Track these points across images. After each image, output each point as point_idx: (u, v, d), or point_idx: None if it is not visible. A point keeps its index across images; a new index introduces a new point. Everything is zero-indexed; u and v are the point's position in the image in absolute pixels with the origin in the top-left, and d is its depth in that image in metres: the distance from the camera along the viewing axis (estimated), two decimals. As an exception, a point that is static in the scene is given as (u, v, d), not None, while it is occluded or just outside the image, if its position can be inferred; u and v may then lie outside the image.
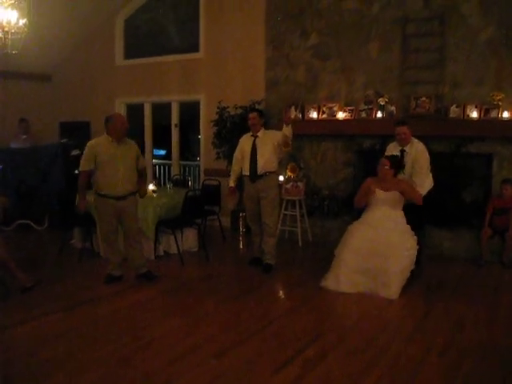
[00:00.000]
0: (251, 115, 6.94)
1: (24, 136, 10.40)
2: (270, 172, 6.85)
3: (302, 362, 4.36)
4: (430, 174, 6.64)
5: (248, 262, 7.31)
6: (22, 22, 7.18)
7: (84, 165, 6.14)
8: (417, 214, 6.33)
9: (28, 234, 9.14)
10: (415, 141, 6.60)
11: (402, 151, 6.61)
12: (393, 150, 6.71)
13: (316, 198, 8.75)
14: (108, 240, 6.45)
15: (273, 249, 7.00)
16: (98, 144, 6.16)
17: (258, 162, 6.78)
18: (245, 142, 7.01)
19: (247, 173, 6.90)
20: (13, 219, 9.25)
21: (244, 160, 6.93)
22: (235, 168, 7.10)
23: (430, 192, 6.57)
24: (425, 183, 6.52)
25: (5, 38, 7.20)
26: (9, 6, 7.00)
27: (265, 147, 6.81)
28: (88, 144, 6.19)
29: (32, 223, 9.48)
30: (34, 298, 5.91)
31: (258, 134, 6.89)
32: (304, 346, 4.65)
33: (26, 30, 7.28)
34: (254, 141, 6.88)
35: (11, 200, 6.66)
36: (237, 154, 7.09)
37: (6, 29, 7.10)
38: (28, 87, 11.66)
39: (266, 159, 6.79)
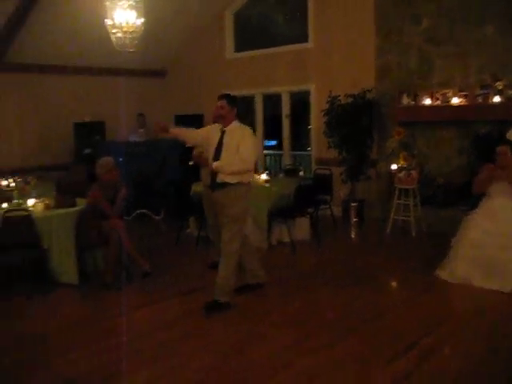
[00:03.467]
0: (219, 103, 5.45)
1: (141, 130, 10.86)
2: (230, 184, 5.34)
3: (417, 354, 4.30)
4: None
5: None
6: (140, 21, 7.48)
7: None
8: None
9: (146, 223, 9.55)
10: None
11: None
12: None
13: (430, 186, 8.52)
14: (212, 230, 6.37)
15: (225, 279, 5.35)
16: (210, 129, 5.73)
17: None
18: (214, 131, 5.57)
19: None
20: (132, 209, 9.69)
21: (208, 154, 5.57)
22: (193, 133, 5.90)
23: None
24: None
25: (124, 38, 7.53)
26: (128, 7, 7.32)
27: (229, 148, 5.35)
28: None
29: (150, 213, 9.89)
30: (153, 283, 6.22)
31: (227, 128, 5.42)
32: (418, 338, 4.59)
33: (142, 28, 7.58)
34: (222, 135, 5.43)
35: (131, 191, 6.97)
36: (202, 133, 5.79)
37: (124, 29, 7.43)
38: (144, 83, 12.17)
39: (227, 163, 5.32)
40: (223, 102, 5.41)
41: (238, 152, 5.28)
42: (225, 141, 5.36)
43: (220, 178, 5.32)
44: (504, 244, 5.72)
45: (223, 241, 5.38)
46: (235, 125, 5.45)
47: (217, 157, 5.34)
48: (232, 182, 5.30)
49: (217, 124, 5.57)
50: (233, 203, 5.31)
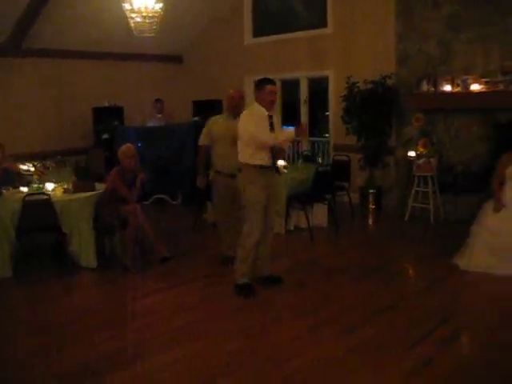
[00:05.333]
0: (274, 88, 5.36)
1: (159, 115, 10.87)
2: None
3: (434, 342, 4.30)
4: None
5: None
6: (159, 5, 7.47)
7: (201, 139, 6.32)
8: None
9: (164, 208, 9.61)
10: None
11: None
12: None
13: (449, 174, 8.46)
14: (221, 219, 6.37)
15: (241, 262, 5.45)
16: (215, 120, 6.27)
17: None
18: (259, 117, 5.35)
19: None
20: (150, 194, 9.74)
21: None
22: None
23: None
24: None
25: (142, 23, 7.52)
26: (147, -9, 7.31)
27: (279, 129, 5.59)
28: (207, 120, 6.42)
29: (168, 198, 9.95)
30: (171, 267, 6.27)
31: (273, 112, 5.51)
32: (435, 326, 4.58)
33: (161, 13, 7.56)
34: (271, 119, 5.38)
35: (148, 175, 7.01)
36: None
37: (143, 14, 7.42)
38: (162, 68, 12.18)
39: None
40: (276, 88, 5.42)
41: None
42: (275, 123, 5.36)
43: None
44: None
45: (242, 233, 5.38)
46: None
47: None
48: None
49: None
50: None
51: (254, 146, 5.24)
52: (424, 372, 3.85)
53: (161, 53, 11.90)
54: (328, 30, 10.12)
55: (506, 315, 4.86)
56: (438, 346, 4.23)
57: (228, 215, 6.20)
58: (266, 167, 5.31)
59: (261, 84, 5.35)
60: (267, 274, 5.66)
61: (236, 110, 6.00)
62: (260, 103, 5.33)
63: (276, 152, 5.32)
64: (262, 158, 5.26)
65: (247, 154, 5.29)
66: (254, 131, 5.21)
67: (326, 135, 10.78)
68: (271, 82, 5.36)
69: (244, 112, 5.51)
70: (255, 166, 5.27)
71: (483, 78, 8.02)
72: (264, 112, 5.31)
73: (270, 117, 5.34)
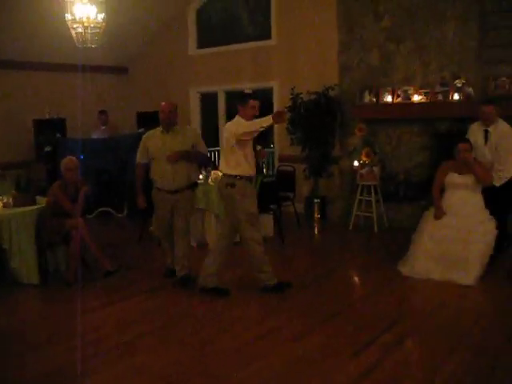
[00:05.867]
0: (256, 103, 5.60)
1: (103, 127, 10.73)
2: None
3: (380, 347, 4.36)
4: None
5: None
6: (101, 16, 7.39)
7: (138, 157, 6.14)
8: (498, 198, 6.16)
9: (109, 221, 9.46)
10: (500, 121, 6.37)
11: (486, 132, 6.41)
12: (476, 130, 6.52)
13: (392, 182, 8.63)
14: (163, 234, 6.28)
15: (258, 263, 5.72)
16: (150, 136, 6.06)
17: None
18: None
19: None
20: (95, 207, 9.59)
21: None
22: None
23: None
24: (510, 167, 6.29)
25: (84, 33, 7.42)
26: (88, 1, 7.22)
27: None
28: (143, 135, 6.18)
29: (112, 210, 9.81)
30: (115, 282, 6.17)
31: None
32: (381, 332, 4.65)
33: (103, 24, 7.49)
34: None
35: (92, 188, 6.90)
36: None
37: (85, 24, 7.32)
38: (106, 80, 12.02)
39: None
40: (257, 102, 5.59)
41: None
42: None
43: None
44: (463, 237, 5.82)
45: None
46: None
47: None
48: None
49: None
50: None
51: (239, 146, 5.43)
52: (371, 377, 3.89)
53: (106, 64, 11.74)
54: (272, 42, 10.20)
55: (448, 319, 4.96)
56: (384, 351, 4.29)
57: (169, 232, 6.12)
58: (250, 178, 5.59)
59: (244, 99, 5.55)
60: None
61: (168, 122, 5.93)
62: (242, 117, 5.52)
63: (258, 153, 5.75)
64: (245, 169, 5.49)
65: (232, 164, 5.48)
66: (237, 129, 5.39)
67: (272, 146, 10.84)
68: (253, 96, 5.61)
69: (228, 123, 5.69)
70: (242, 178, 5.46)
71: (422, 88, 8.24)
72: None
73: None
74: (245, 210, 5.49)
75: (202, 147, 6.17)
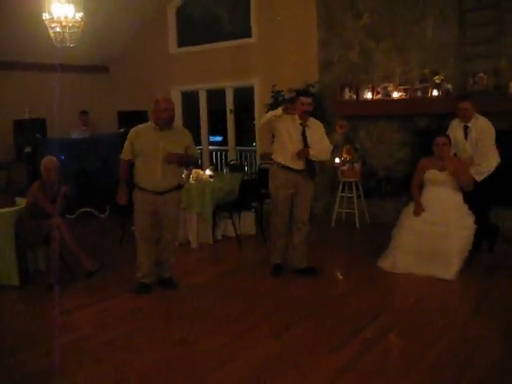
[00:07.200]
0: (308, 100, 5.90)
1: (84, 127, 10.68)
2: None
3: (360, 342, 4.39)
4: (496, 152, 6.39)
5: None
6: (79, 15, 7.36)
7: (123, 153, 5.67)
8: (476, 193, 6.20)
9: (91, 221, 9.41)
10: (478, 116, 6.41)
11: (466, 127, 6.45)
12: (456, 126, 6.55)
13: (373, 179, 8.68)
14: (143, 236, 5.76)
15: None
16: (140, 132, 5.59)
17: None
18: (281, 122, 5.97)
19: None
20: (76, 207, 9.53)
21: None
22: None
23: (496, 170, 6.36)
24: (490, 161, 6.35)
25: (63, 33, 7.39)
26: (65, 1, 7.18)
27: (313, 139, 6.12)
28: (130, 130, 5.69)
29: (94, 211, 9.76)
30: (97, 282, 6.12)
31: (308, 122, 6.05)
32: (361, 327, 4.68)
33: (82, 23, 7.45)
34: (304, 129, 6.00)
35: (73, 189, 6.84)
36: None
37: (63, 23, 7.29)
38: (86, 79, 11.97)
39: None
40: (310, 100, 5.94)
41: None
42: (309, 133, 5.97)
43: None
44: (443, 232, 5.85)
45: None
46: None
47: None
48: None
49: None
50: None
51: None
52: (351, 370, 3.92)
53: (86, 63, 11.69)
54: (252, 40, 10.23)
55: (428, 314, 5.01)
56: (365, 345, 4.31)
57: (151, 235, 5.74)
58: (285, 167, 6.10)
59: (296, 96, 6.13)
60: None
61: (169, 121, 5.53)
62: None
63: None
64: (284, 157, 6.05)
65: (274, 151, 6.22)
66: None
67: (254, 144, 10.85)
68: (305, 93, 6.25)
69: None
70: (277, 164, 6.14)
71: (402, 85, 8.29)
72: (297, 121, 5.94)
73: (303, 126, 5.93)
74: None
75: (195, 150, 5.89)
